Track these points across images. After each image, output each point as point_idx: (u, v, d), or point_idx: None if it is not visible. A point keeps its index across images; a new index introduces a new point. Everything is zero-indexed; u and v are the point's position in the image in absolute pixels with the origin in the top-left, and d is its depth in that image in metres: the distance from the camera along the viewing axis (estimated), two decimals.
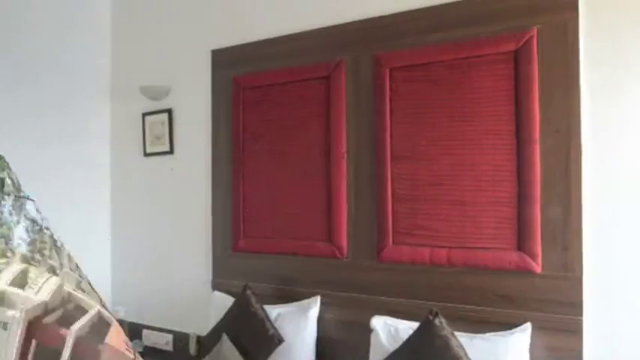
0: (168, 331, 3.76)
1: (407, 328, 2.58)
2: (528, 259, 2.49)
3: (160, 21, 3.91)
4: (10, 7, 3.64)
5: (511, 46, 2.54)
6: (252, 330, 2.93)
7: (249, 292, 3.05)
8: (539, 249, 2.47)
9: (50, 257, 1.28)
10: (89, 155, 4.08)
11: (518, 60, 2.53)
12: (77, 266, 1.36)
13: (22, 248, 1.22)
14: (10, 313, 0.88)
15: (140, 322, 3.92)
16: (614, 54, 2.35)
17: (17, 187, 1.37)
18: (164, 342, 3.76)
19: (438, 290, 2.71)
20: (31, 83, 3.73)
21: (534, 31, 2.49)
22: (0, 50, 3.58)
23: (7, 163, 1.37)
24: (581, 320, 2.37)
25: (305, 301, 3.05)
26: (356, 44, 2.99)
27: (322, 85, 3.10)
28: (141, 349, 3.74)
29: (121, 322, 3.98)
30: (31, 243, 1.29)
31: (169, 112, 3.82)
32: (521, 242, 2.52)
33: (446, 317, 2.47)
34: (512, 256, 2.53)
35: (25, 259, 1.16)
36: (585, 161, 2.39)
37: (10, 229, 1.26)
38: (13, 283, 0.94)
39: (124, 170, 4.12)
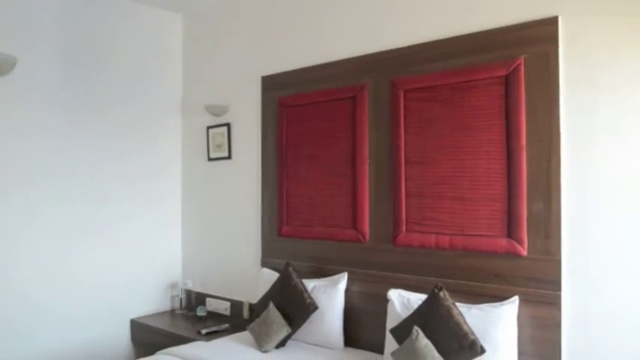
0: (227, 299, 3.80)
1: (417, 299, 2.58)
2: (516, 245, 2.46)
3: (220, 53, 3.96)
4: (104, 46, 3.76)
5: (502, 72, 2.51)
6: (293, 299, 2.95)
7: (290, 268, 3.07)
8: (525, 236, 2.44)
9: None
10: (165, 160, 4.15)
11: (508, 83, 2.50)
12: None
13: None
14: None
15: (204, 292, 3.98)
16: (588, 78, 2.31)
17: None
18: (223, 308, 3.81)
19: (442, 269, 2.70)
20: (121, 105, 3.84)
21: (522, 60, 2.46)
22: (97, 82, 3.71)
23: None
24: (559, 295, 2.34)
25: (335, 277, 3.06)
26: (376, 71, 2.99)
27: (349, 103, 3.10)
28: (205, 314, 3.79)
29: (189, 292, 4.09)
30: None
31: (228, 125, 3.86)
32: (511, 231, 2.49)
33: (449, 291, 2.47)
34: (503, 242, 2.51)
35: None
36: (563, 165, 2.36)
37: None
38: None
39: (192, 172, 4.18)
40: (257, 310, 3.07)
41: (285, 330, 2.85)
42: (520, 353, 2.38)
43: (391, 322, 2.60)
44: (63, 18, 3.51)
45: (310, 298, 2.93)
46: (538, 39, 2.41)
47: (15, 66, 3.11)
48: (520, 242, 2.45)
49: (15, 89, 3.26)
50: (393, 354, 2.42)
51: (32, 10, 3.36)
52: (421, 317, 2.43)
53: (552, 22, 2.37)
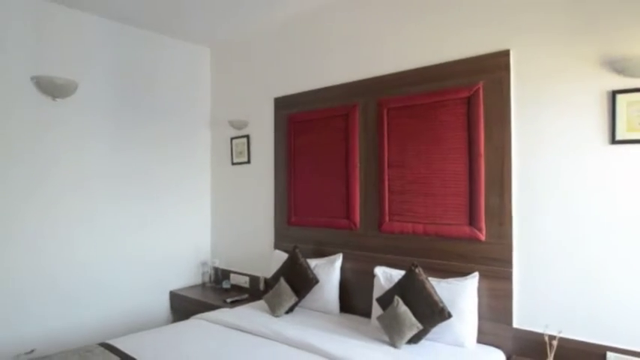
0: (246, 275, 3.80)
1: (397, 274, 2.59)
2: (476, 231, 2.47)
3: (241, 79, 3.95)
4: (148, 73, 3.75)
5: (465, 94, 2.52)
6: (299, 274, 2.95)
7: (297, 250, 3.07)
8: (483, 225, 2.45)
9: None
10: (198, 164, 4.14)
11: (470, 103, 2.50)
12: None
13: None
14: None
15: (228, 268, 3.97)
16: (533, 98, 2.31)
17: None
18: (243, 281, 3.81)
19: (418, 251, 2.70)
20: (163, 121, 3.83)
21: (481, 84, 2.46)
22: (143, 102, 3.70)
23: None
24: (511, 271, 2.35)
25: (332, 257, 3.06)
26: (366, 93, 2.98)
27: (343, 119, 3.10)
28: (229, 286, 3.80)
29: (216, 269, 4.07)
30: None
31: (247, 137, 3.85)
32: (472, 220, 2.49)
33: (423, 268, 2.49)
34: (466, 229, 2.51)
35: None
36: (514, 167, 2.37)
37: None
38: None
39: (219, 174, 4.17)
40: (271, 283, 3.07)
41: (293, 299, 2.86)
42: (480, 318, 2.39)
43: (377, 293, 2.61)
44: (116, 50, 3.51)
45: (313, 273, 2.93)
46: (494, 68, 2.42)
47: (77, 89, 3.13)
48: (479, 229, 2.46)
49: (77, 108, 3.27)
50: (378, 318, 2.42)
51: (91, 44, 3.36)
52: (401, 289, 2.43)
53: (505, 54, 2.38)
